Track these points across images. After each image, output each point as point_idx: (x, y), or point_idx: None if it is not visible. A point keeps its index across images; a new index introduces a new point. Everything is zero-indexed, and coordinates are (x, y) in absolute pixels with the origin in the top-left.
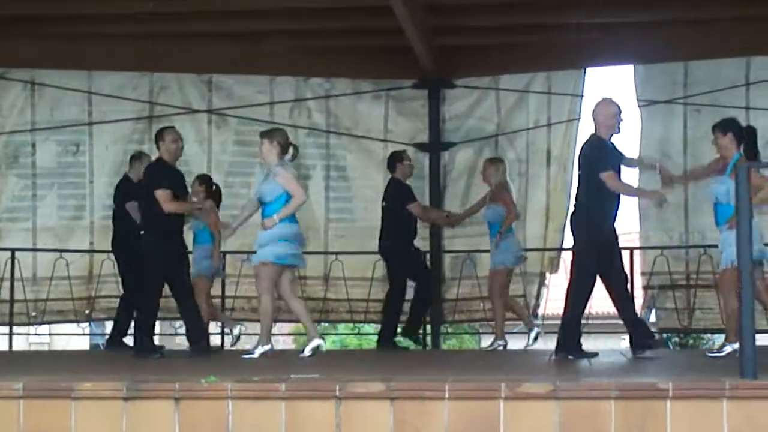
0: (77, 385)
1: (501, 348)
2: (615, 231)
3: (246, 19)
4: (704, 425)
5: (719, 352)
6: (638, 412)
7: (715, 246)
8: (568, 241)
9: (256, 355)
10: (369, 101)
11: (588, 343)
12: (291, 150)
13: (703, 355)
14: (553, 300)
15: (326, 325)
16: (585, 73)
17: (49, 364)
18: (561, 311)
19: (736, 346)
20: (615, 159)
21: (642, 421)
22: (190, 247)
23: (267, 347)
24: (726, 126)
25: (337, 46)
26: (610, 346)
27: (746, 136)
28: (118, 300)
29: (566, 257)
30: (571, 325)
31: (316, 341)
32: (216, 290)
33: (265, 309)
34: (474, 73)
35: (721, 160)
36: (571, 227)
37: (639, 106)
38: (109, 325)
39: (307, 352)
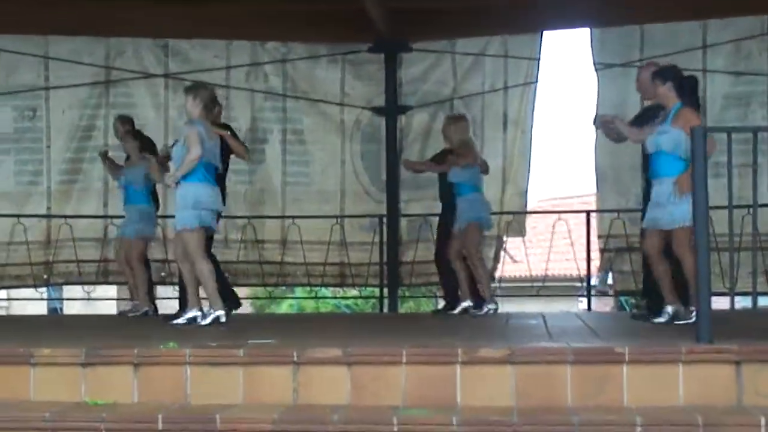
0: (36, 351)
1: (492, 312)
2: None
3: None
4: (660, 389)
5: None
6: (595, 376)
7: None
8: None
9: (205, 322)
10: (325, 65)
11: (544, 306)
12: (216, 109)
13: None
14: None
15: (284, 288)
16: (542, 36)
17: (7, 330)
18: (517, 274)
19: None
20: None
21: (599, 386)
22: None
23: (219, 312)
24: (665, 74)
25: (294, 9)
26: (566, 308)
27: (686, 86)
28: None
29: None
30: None
31: (218, 313)
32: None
33: (205, 274)
34: (430, 36)
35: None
36: None
37: (596, 70)
38: (66, 290)
39: (208, 321)
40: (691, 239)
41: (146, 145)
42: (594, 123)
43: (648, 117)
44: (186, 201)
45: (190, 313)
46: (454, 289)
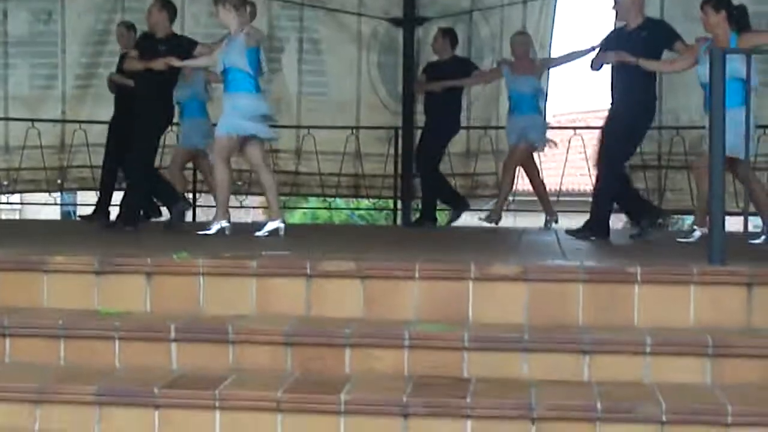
0: (49, 258)
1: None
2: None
3: None
4: (671, 310)
5: (688, 238)
6: (606, 295)
7: (689, 128)
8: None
9: (212, 231)
10: None
11: (558, 221)
12: (248, 8)
13: (673, 238)
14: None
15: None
16: None
17: (20, 235)
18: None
19: (704, 230)
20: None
21: (610, 305)
22: None
23: (224, 223)
24: (719, 3)
25: None
26: (580, 223)
27: (738, 14)
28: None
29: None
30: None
31: (276, 223)
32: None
33: (220, 181)
34: None
35: (703, 40)
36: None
37: None
38: (80, 195)
39: (264, 232)
40: None
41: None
42: (594, 67)
43: (621, 40)
44: (236, 109)
45: (220, 224)
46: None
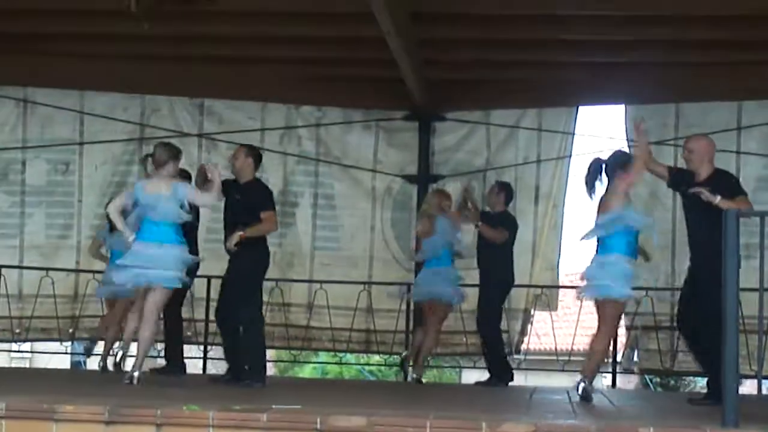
0: (59, 407)
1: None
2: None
3: (239, 45)
4: None
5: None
6: None
7: None
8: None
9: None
10: (359, 131)
11: (570, 381)
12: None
13: (685, 398)
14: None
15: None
16: (577, 111)
17: (31, 383)
18: (543, 347)
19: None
20: None
21: None
22: None
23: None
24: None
25: (330, 74)
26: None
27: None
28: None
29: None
30: None
31: (136, 374)
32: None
33: (150, 334)
34: (465, 106)
35: None
36: None
37: (629, 146)
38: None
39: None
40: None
41: None
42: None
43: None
44: (176, 260)
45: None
46: (494, 360)
